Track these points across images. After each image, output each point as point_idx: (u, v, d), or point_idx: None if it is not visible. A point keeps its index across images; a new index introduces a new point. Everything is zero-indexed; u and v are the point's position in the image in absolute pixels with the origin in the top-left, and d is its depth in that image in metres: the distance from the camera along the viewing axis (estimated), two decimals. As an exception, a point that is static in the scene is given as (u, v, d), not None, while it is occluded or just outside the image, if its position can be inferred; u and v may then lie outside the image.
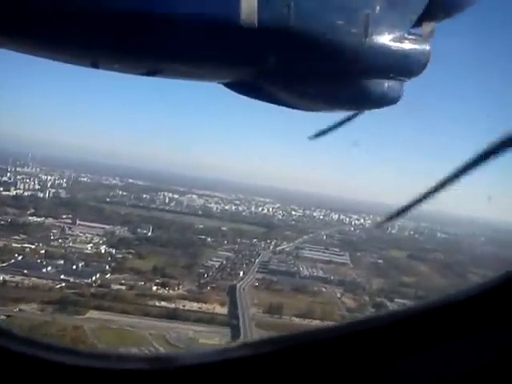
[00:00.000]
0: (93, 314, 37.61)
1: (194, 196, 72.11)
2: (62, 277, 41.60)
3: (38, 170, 70.07)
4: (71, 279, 41.58)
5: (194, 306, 40.82)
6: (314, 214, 67.76)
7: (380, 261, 52.22)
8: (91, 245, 48.94)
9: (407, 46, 3.75)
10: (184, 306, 40.79)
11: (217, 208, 68.16)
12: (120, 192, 69.47)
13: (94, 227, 53.26)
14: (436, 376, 1.90)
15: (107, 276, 43.71)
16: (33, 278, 40.69)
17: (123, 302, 39.59)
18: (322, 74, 3.58)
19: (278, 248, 55.22)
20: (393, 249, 55.27)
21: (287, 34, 3.28)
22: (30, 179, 65.25)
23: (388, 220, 3.84)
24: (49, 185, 64.92)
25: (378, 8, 3.54)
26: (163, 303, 40.70)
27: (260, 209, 68.69)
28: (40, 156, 76.27)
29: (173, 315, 39.24)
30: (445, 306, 1.94)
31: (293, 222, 65.01)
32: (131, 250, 49.11)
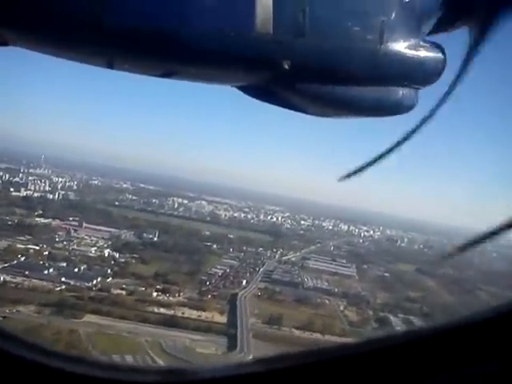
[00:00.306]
0: (90, 318, 37.23)
1: (204, 202, 71.95)
2: (63, 279, 41.46)
3: (50, 171, 70.74)
4: (72, 282, 41.38)
5: (193, 313, 40.21)
6: (323, 223, 67.01)
7: (386, 274, 51.09)
8: (95, 248, 48.87)
9: (423, 53, 3.68)
10: (183, 313, 40.20)
11: (225, 215, 67.84)
12: (130, 196, 69.70)
13: (100, 230, 53.28)
14: None
15: (108, 280, 43.46)
16: (33, 280, 40.56)
17: (122, 307, 39.15)
18: (336, 80, 3.47)
19: (283, 257, 54.49)
20: (401, 262, 54.08)
21: (302, 39, 3.30)
22: (41, 181, 65.84)
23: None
24: (59, 187, 65.36)
25: (393, 14, 3.55)
26: (162, 310, 40.19)
27: (269, 217, 68.25)
28: (53, 158, 77.30)
29: (171, 322, 38.61)
30: (466, 328, 1.84)
31: (301, 232, 64.35)
32: (135, 255, 48.88)
